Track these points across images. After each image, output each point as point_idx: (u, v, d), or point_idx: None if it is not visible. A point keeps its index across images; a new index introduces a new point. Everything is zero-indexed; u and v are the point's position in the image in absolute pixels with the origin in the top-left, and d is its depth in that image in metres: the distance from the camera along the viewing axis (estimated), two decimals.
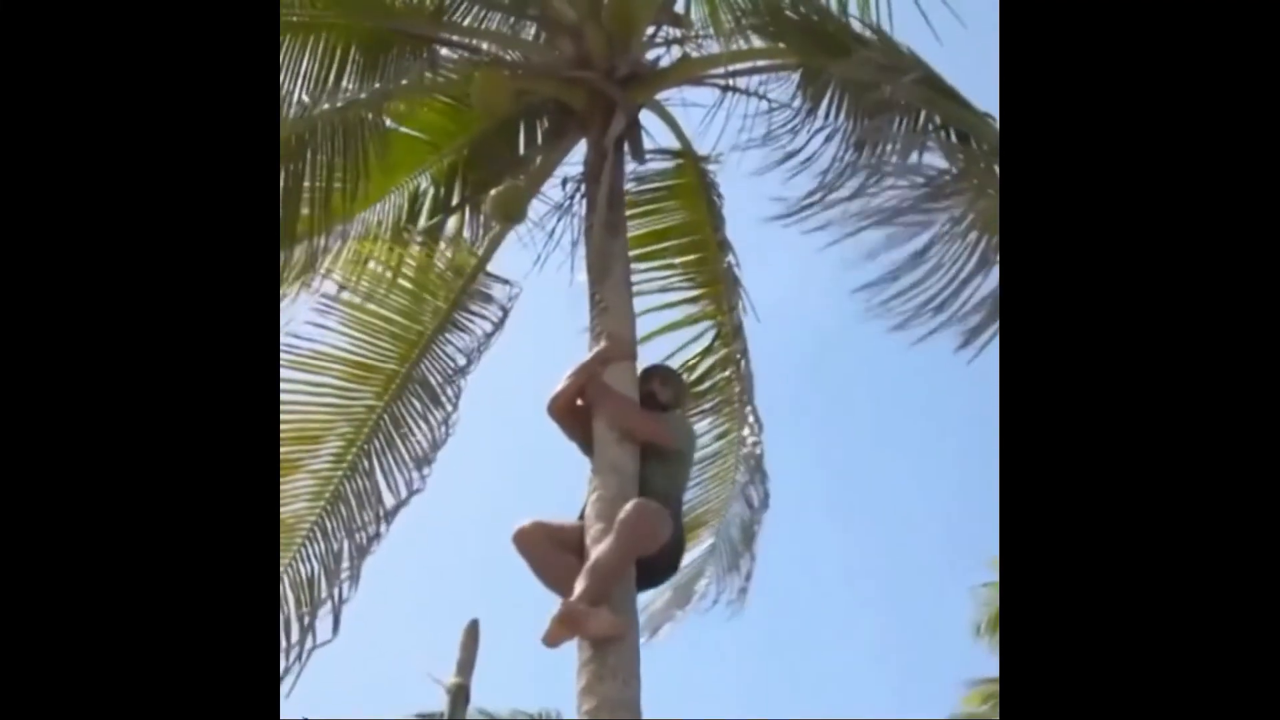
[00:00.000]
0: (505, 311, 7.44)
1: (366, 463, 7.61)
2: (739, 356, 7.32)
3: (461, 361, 7.58)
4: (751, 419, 7.27)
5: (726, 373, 7.40)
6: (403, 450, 7.58)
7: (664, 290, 7.33)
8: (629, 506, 5.11)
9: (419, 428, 7.55)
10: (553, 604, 4.89)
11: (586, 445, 5.65)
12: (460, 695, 5.16)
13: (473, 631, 5.42)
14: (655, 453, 5.53)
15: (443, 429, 7.52)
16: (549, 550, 5.26)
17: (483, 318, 7.49)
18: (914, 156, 5.86)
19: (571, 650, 4.89)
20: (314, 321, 7.30)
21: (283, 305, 7.15)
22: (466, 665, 5.27)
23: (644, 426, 5.59)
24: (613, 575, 4.96)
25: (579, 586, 4.90)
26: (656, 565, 5.30)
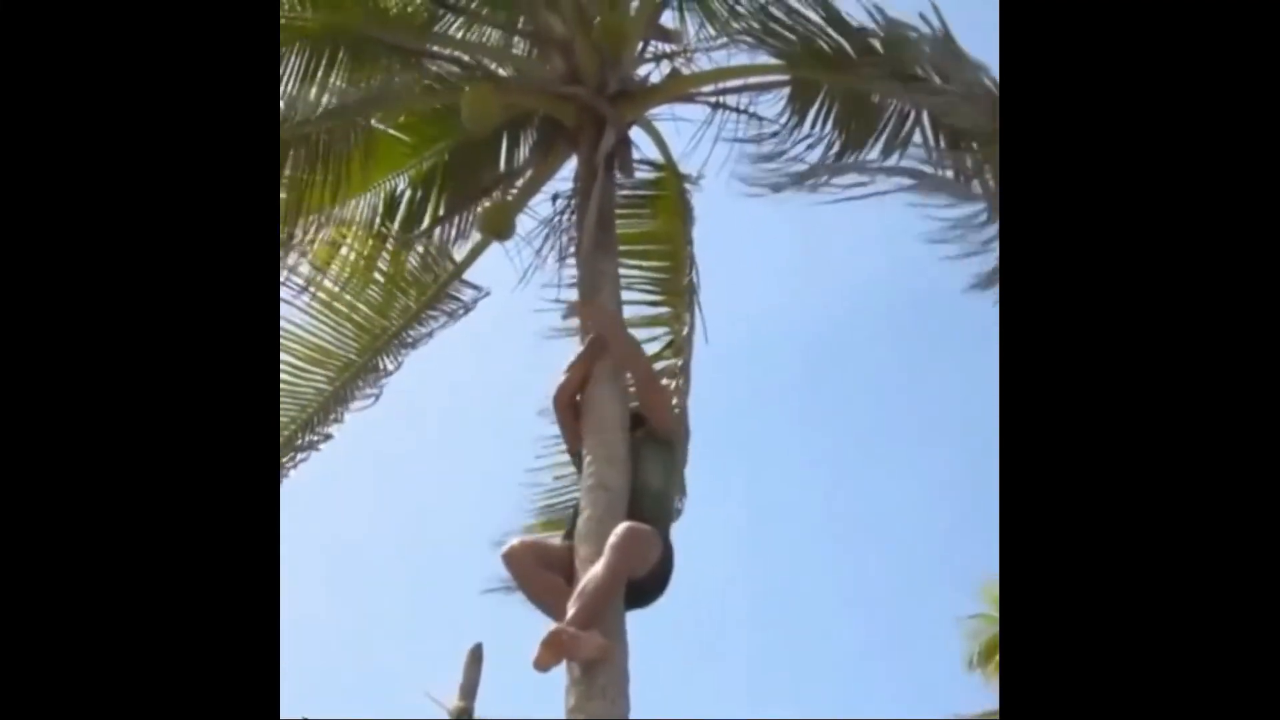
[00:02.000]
0: (467, 309, 7.49)
1: (302, 437, 7.68)
2: (680, 371, 7.32)
3: (410, 342, 7.64)
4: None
5: (671, 384, 7.45)
6: (333, 419, 7.68)
7: (628, 287, 7.20)
8: (620, 530, 5.11)
9: (354, 397, 7.69)
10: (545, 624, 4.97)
11: (579, 454, 5.68)
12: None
13: (476, 655, 5.42)
14: (651, 441, 5.61)
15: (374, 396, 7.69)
16: (536, 571, 5.28)
17: (446, 314, 7.54)
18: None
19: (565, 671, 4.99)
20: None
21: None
22: (470, 689, 5.29)
23: (657, 386, 5.71)
24: (604, 598, 4.97)
25: (570, 610, 4.91)
26: (646, 586, 5.30)
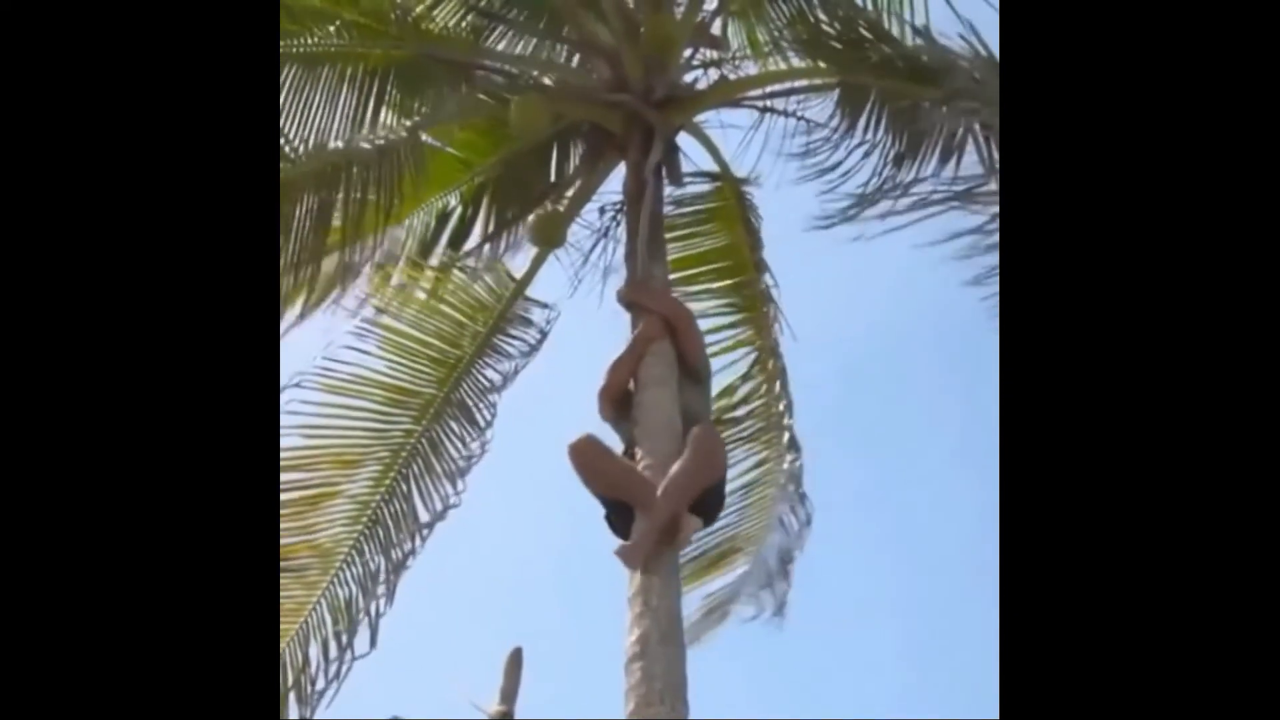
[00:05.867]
0: (543, 333, 7.44)
1: (404, 486, 7.59)
2: (778, 378, 7.30)
3: (498, 380, 7.57)
4: (789, 439, 7.27)
5: (764, 397, 7.38)
6: (439, 471, 7.57)
7: (702, 316, 7.17)
8: (699, 430, 5.34)
9: (455, 448, 7.54)
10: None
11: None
12: None
13: (516, 659, 5.36)
14: (687, 376, 5.77)
15: (479, 445, 7.53)
16: (607, 458, 5.36)
17: (520, 340, 7.48)
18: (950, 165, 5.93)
19: (615, 672, 4.86)
20: (352, 346, 7.28)
21: (319, 328, 7.21)
22: (510, 693, 5.24)
23: (695, 329, 5.97)
24: (688, 491, 5.10)
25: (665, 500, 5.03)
26: (709, 499, 5.38)
